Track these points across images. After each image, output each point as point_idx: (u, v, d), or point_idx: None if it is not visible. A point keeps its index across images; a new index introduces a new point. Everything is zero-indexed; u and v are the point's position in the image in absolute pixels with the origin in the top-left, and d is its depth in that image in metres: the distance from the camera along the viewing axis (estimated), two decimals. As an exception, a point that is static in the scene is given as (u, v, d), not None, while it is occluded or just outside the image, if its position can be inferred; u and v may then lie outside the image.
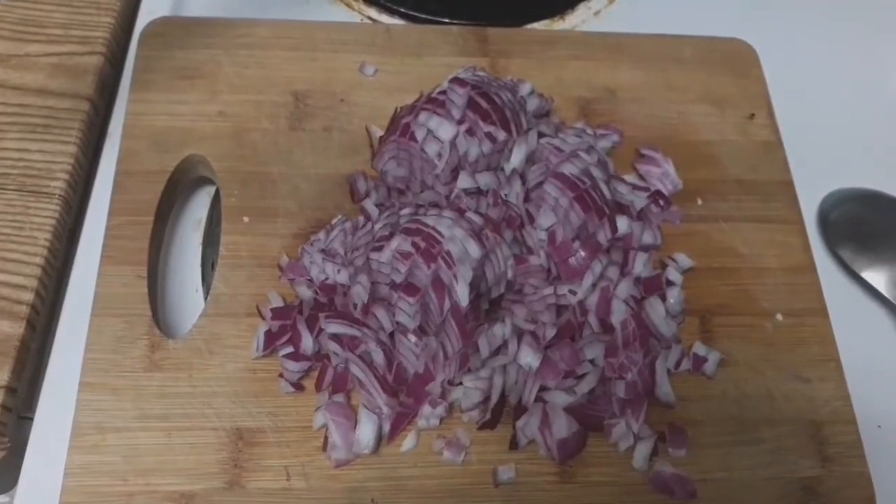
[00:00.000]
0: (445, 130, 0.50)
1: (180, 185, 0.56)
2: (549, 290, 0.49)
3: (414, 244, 0.46)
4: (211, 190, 0.58)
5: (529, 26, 0.67)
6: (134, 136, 0.55)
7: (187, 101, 0.56)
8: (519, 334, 0.49)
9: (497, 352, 0.48)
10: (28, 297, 0.50)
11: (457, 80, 0.52)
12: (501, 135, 0.51)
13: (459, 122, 0.51)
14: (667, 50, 0.63)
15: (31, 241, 0.52)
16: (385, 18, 0.66)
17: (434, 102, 0.52)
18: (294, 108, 0.57)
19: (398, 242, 0.46)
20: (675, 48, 0.64)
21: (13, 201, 0.53)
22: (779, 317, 0.54)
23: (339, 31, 0.61)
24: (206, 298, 0.51)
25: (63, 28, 0.60)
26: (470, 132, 0.51)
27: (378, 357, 0.47)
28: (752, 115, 0.61)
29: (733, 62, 0.64)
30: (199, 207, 0.57)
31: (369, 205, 0.53)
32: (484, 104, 0.51)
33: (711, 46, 0.64)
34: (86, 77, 0.58)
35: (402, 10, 0.66)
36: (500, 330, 0.48)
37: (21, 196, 0.53)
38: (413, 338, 0.47)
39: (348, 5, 0.67)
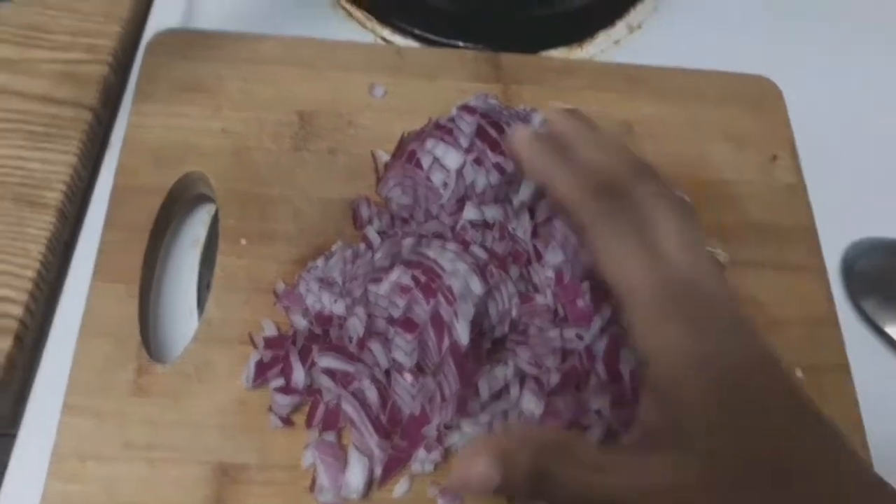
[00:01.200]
0: (452, 158, 0.49)
1: (179, 202, 0.54)
2: (554, 333, 0.47)
3: (414, 277, 0.44)
4: (211, 208, 0.56)
5: (546, 53, 0.65)
6: (134, 149, 0.53)
7: (190, 115, 0.55)
8: (521, 378, 0.46)
9: (498, 395, 0.46)
10: (17, 311, 0.48)
11: (466, 108, 0.50)
12: (511, 166, 0.49)
13: (467, 151, 0.49)
14: (688, 84, 0.61)
15: (23, 253, 0.50)
16: (398, 39, 0.65)
17: (442, 129, 0.50)
18: (299, 129, 0.56)
19: (398, 275, 0.44)
20: (697, 83, 0.61)
21: (8, 211, 0.52)
22: (798, 372, 0.51)
23: (350, 50, 0.60)
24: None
25: (70, 35, 0.59)
26: (478, 162, 0.49)
27: (372, 395, 0.45)
28: (775, 156, 0.59)
29: (757, 100, 0.61)
30: (198, 226, 0.56)
31: (371, 232, 0.51)
32: (493, 133, 0.49)
33: (735, 83, 0.62)
34: (90, 86, 0.57)
35: (416, 31, 0.65)
36: (502, 372, 0.46)
37: (17, 206, 0.52)
38: (409, 377, 0.44)
39: (362, 24, 0.66)
